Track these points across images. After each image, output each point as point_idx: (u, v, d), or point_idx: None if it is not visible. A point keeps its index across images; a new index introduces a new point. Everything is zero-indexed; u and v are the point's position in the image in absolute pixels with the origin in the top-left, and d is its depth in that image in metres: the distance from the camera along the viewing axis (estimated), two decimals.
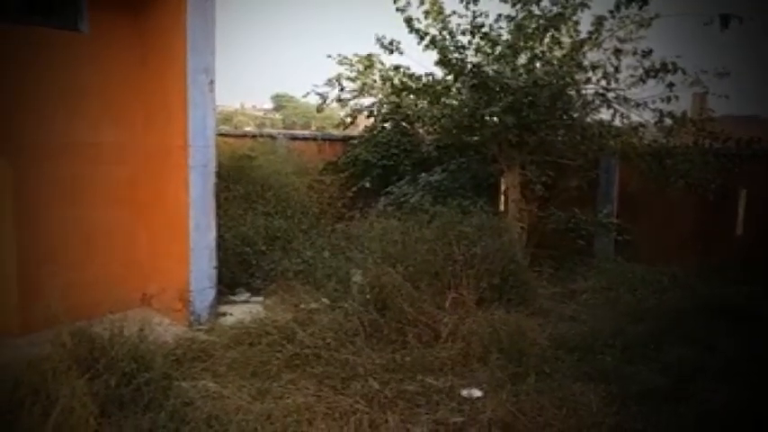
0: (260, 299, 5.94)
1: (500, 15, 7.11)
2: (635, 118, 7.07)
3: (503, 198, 8.34)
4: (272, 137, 8.87)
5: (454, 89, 7.35)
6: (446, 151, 8.54)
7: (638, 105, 6.94)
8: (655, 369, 4.17)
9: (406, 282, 4.85)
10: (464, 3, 6.99)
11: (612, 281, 6.20)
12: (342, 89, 8.78)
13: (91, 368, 3.35)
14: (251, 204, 7.13)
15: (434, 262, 5.18)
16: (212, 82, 5.28)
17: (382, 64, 8.33)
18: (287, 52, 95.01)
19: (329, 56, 8.57)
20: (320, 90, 8.76)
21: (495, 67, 6.96)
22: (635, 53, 6.86)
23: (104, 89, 5.41)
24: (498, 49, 7.09)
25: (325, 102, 8.88)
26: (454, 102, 7.43)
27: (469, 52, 7.13)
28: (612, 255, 7.26)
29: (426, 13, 7.13)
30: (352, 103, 9.03)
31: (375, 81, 8.54)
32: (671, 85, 6.64)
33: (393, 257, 5.24)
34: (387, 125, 9.24)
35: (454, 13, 7.11)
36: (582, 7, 6.93)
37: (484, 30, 7.05)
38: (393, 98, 8.50)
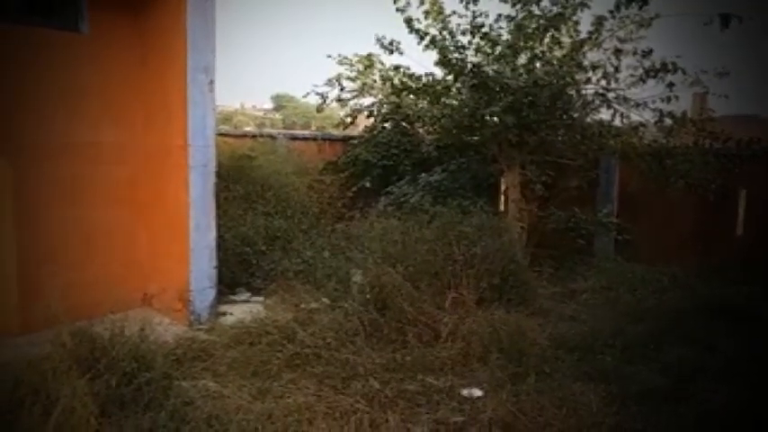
0: (260, 298, 5.94)
1: (500, 15, 7.12)
2: (635, 118, 7.09)
3: (503, 198, 8.34)
4: (272, 137, 8.86)
5: (454, 89, 7.36)
6: (446, 151, 8.54)
7: (638, 105, 6.94)
8: (655, 369, 4.17)
9: (406, 282, 4.85)
10: (464, 3, 7.00)
11: (612, 281, 6.20)
12: (342, 89, 8.80)
13: (91, 368, 3.35)
14: (251, 204, 7.13)
15: (434, 262, 5.18)
16: (212, 82, 5.28)
17: (382, 64, 8.33)
18: (287, 52, 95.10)
19: (329, 56, 8.59)
20: (320, 90, 8.78)
21: (495, 67, 6.96)
22: (635, 53, 6.87)
23: (104, 89, 5.41)
24: (498, 49, 7.09)
25: (325, 102, 8.88)
26: (454, 102, 7.43)
27: (469, 52, 7.14)
28: (612, 254, 7.26)
29: (426, 13, 7.14)
30: (352, 103, 9.04)
31: (375, 81, 8.55)
32: (671, 84, 6.64)
33: (393, 257, 5.24)
34: (387, 125, 9.24)
35: (454, 13, 7.12)
36: (582, 7, 6.93)
37: (484, 30, 7.06)
38: (393, 98, 8.50)
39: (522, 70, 7.00)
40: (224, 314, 5.50)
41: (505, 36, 7.13)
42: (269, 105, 42.19)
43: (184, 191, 5.19)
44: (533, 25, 6.98)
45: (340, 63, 8.60)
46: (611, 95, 7.01)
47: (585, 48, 6.98)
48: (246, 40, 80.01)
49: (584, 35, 7.00)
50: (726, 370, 4.07)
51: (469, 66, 6.86)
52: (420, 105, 8.14)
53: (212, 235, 5.41)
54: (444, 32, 7.12)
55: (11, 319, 4.86)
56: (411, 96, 8.06)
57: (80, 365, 3.33)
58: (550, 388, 3.88)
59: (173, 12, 5.15)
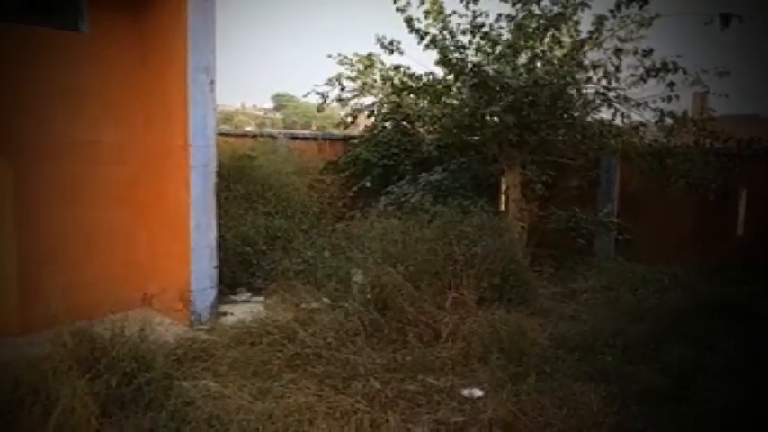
0: (261, 298, 5.94)
1: (500, 15, 7.11)
2: (635, 117, 7.09)
3: (503, 198, 8.34)
4: (272, 136, 8.87)
5: (454, 89, 7.35)
6: (446, 151, 8.54)
7: (638, 105, 6.93)
8: (655, 369, 4.17)
9: (406, 281, 4.85)
10: (464, 2, 6.99)
11: (613, 280, 6.20)
12: (342, 89, 8.79)
13: (92, 368, 3.35)
14: (251, 204, 7.13)
15: (435, 262, 5.18)
16: (213, 81, 5.27)
17: (382, 63, 8.33)
18: (287, 52, 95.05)
19: (329, 55, 8.59)
20: (320, 90, 8.78)
21: (495, 67, 6.96)
22: (635, 53, 6.86)
23: (104, 89, 5.41)
24: (498, 48, 7.09)
25: (325, 101, 8.88)
26: (455, 101, 7.43)
27: (470, 52, 7.14)
28: (613, 254, 7.26)
29: (427, 13, 7.13)
30: (352, 102, 9.05)
31: (375, 81, 8.55)
32: (671, 84, 6.63)
33: (393, 257, 5.24)
34: (387, 125, 9.25)
35: (454, 12, 7.12)
36: (582, 7, 6.93)
37: (484, 29, 7.05)
38: (393, 98, 8.51)
39: (522, 70, 7.00)
40: (224, 314, 5.50)
41: (506, 36, 7.13)
42: (269, 105, 42.22)
43: (185, 191, 5.19)
44: (534, 25, 6.97)
45: (340, 63, 8.61)
46: (611, 95, 7.01)
47: (586, 47, 6.98)
48: (246, 40, 79.95)
49: (584, 35, 7.00)
50: (726, 369, 4.06)
51: (470, 65, 6.86)
52: (420, 105, 8.15)
53: (213, 235, 5.41)
54: (445, 32, 7.12)
55: (11, 318, 4.86)
56: (411, 96, 8.05)
57: (80, 365, 3.33)
58: (551, 388, 3.88)
59: (173, 11, 5.15)
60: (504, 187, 8.19)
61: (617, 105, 7.04)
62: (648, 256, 6.73)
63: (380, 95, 8.90)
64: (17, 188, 4.93)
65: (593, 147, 7.15)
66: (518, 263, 5.55)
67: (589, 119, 7.25)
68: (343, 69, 8.63)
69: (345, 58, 8.56)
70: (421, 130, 9.13)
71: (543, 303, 5.59)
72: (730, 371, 4.04)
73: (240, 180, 7.28)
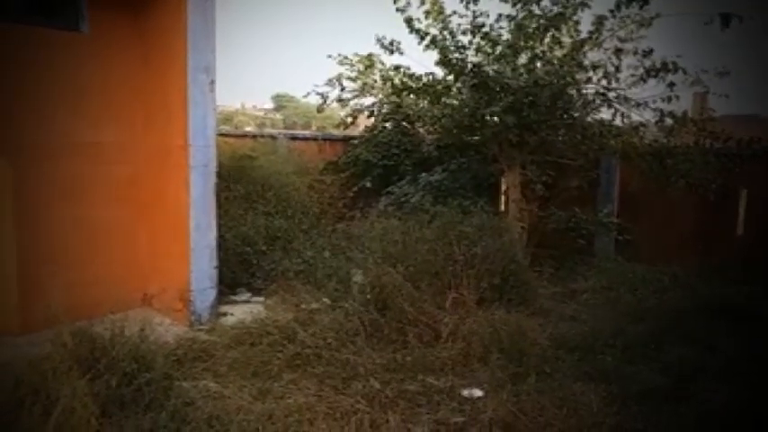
0: (261, 299, 5.94)
1: (500, 15, 7.11)
2: (636, 117, 7.08)
3: (503, 198, 8.33)
4: (272, 137, 8.87)
5: (455, 89, 7.35)
6: (447, 151, 8.54)
7: (638, 105, 6.93)
8: (655, 369, 4.17)
9: (406, 282, 4.85)
10: (464, 3, 6.99)
11: (613, 280, 6.20)
12: (342, 89, 8.79)
13: (92, 368, 3.35)
14: (251, 204, 7.13)
15: (435, 262, 5.18)
16: (213, 82, 5.27)
17: (383, 64, 8.33)
18: (287, 52, 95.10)
19: (329, 56, 8.59)
20: (321, 90, 8.77)
21: (495, 67, 6.96)
22: (635, 53, 6.86)
23: (105, 89, 5.41)
24: (499, 48, 7.09)
25: (325, 102, 8.88)
26: (455, 102, 7.43)
27: (470, 52, 7.14)
28: (613, 254, 7.25)
29: (427, 13, 7.13)
30: (352, 102, 9.04)
31: (375, 81, 8.55)
32: (671, 84, 6.63)
33: (394, 257, 5.24)
34: (387, 125, 9.24)
35: (455, 13, 7.11)
36: (582, 7, 6.93)
37: (484, 30, 7.05)
38: (393, 98, 8.51)
39: (522, 70, 7.00)
40: (224, 314, 5.50)
41: (506, 36, 7.13)
42: (269, 105, 42.26)
43: (185, 191, 5.19)
44: (534, 25, 6.97)
45: (340, 63, 8.60)
46: (611, 95, 7.01)
47: (586, 47, 6.97)
48: (246, 40, 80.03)
49: (584, 35, 7.00)
50: (726, 370, 4.06)
51: (470, 66, 6.86)
52: (420, 105, 8.15)
53: (213, 235, 5.41)
54: (445, 32, 7.12)
55: (11, 318, 4.86)
56: (411, 96, 8.05)
57: (80, 365, 3.33)
58: (551, 388, 3.88)
59: (173, 11, 5.15)
60: (504, 187, 8.19)
61: (617, 105, 7.04)
62: (648, 257, 6.73)
63: (380, 96, 8.90)
64: (17, 188, 4.93)
65: (593, 147, 7.15)
66: (518, 263, 5.55)
67: (589, 119, 7.25)
68: (343, 70, 8.64)
69: (345, 58, 8.56)
70: (421, 130, 9.13)
71: (543, 303, 5.59)
72: (730, 371, 4.04)
73: (240, 180, 7.28)
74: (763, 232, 6.76)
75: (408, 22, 7.14)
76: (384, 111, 9.14)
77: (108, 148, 5.46)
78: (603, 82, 7.02)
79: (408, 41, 7.30)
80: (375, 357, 4.21)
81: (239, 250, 6.40)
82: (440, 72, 7.35)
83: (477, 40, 7.10)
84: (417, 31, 7.13)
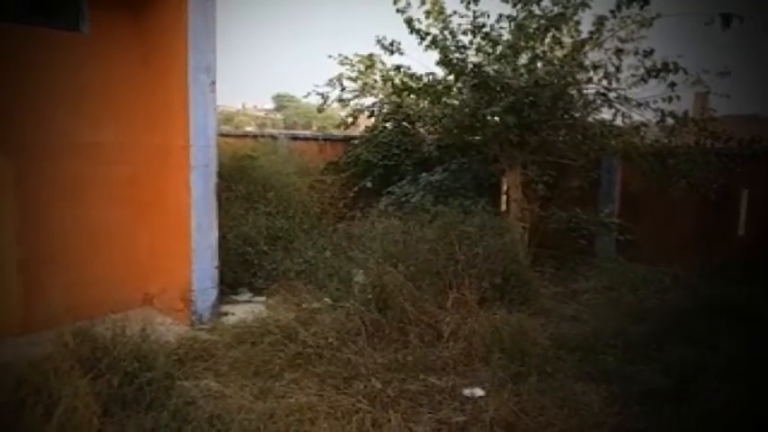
0: (262, 298, 5.94)
1: (501, 15, 7.10)
2: (636, 118, 7.07)
3: (504, 198, 8.33)
4: (273, 137, 8.86)
5: (455, 89, 7.35)
6: (447, 151, 8.53)
7: (639, 105, 6.92)
8: (656, 369, 4.16)
9: (407, 281, 4.86)
10: (465, 3, 6.98)
11: (614, 281, 6.20)
12: (343, 89, 8.80)
13: (93, 368, 3.35)
14: (252, 204, 7.13)
15: (436, 262, 5.18)
16: (213, 82, 5.27)
17: (383, 64, 8.33)
18: (287, 52, 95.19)
19: (330, 56, 8.60)
20: (321, 90, 8.78)
21: (496, 67, 6.96)
22: (636, 53, 6.85)
23: (105, 89, 5.41)
24: (499, 48, 7.09)
25: (326, 102, 8.89)
26: (455, 102, 7.43)
27: (470, 52, 7.13)
28: (614, 254, 7.25)
29: (427, 14, 7.13)
30: (353, 103, 9.04)
31: (376, 81, 8.55)
32: (672, 84, 6.62)
33: (395, 257, 5.24)
34: (388, 125, 9.23)
35: (455, 13, 7.11)
36: (583, 7, 6.92)
37: (485, 30, 7.05)
38: (394, 98, 8.51)
39: (523, 70, 7.00)
40: (226, 314, 5.50)
41: (506, 36, 7.12)
42: (270, 105, 42.33)
43: (186, 191, 5.19)
44: (534, 25, 6.97)
45: (341, 63, 8.61)
46: (612, 95, 7.00)
47: (587, 47, 6.97)
48: (247, 40, 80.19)
49: (585, 35, 6.99)
50: (728, 370, 4.06)
51: (470, 66, 6.85)
52: (421, 105, 8.15)
53: (214, 235, 5.41)
54: (445, 32, 7.12)
55: (12, 318, 4.86)
56: (412, 96, 8.05)
57: (82, 365, 3.33)
58: (552, 388, 3.88)
59: (173, 11, 5.15)
60: (505, 187, 8.19)
61: (618, 106, 7.03)
62: (650, 257, 6.73)
63: (381, 96, 8.90)
64: (18, 188, 4.93)
65: (594, 147, 7.15)
66: (519, 263, 5.55)
67: (590, 119, 7.25)
68: (343, 70, 8.65)
69: (346, 58, 8.56)
70: (422, 130, 9.12)
71: (544, 303, 5.58)
72: (731, 371, 4.04)
73: (241, 180, 7.28)
74: (764, 232, 6.76)
75: (409, 22, 7.14)
76: (384, 111, 9.14)
77: (108, 148, 5.46)
78: (604, 82, 7.01)
79: (409, 42, 7.31)
80: (376, 357, 4.21)
81: (240, 250, 6.40)
82: (440, 72, 7.36)
83: (477, 40, 7.09)
84: (418, 32, 7.12)
